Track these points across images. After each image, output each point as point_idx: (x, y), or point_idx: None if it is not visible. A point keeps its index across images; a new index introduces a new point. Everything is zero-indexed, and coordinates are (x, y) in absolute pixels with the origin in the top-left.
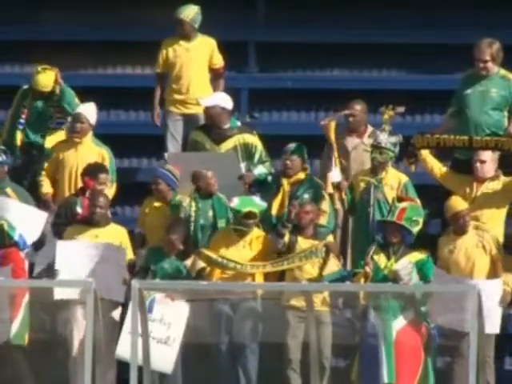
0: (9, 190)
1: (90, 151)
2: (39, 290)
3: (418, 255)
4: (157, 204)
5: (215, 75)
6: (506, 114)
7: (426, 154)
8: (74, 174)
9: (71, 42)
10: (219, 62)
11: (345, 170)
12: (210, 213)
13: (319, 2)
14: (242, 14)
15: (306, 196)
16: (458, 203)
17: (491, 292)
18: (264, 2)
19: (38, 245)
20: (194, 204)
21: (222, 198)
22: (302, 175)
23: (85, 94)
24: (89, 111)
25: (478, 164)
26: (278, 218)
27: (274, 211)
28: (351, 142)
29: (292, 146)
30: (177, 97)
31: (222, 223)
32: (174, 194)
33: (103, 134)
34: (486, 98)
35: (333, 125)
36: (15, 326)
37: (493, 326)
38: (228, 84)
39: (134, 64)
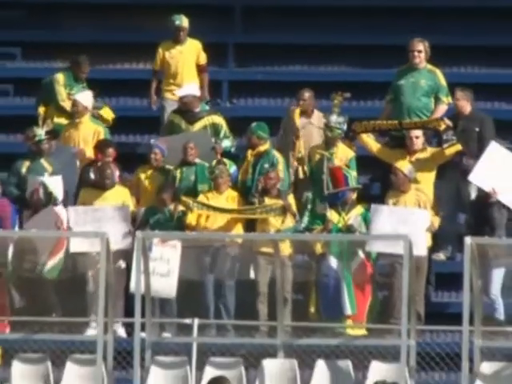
0: (43, 161)
1: (88, 128)
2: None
3: (359, 209)
4: (150, 172)
5: (201, 70)
6: (432, 99)
7: (364, 136)
8: (76, 147)
9: (85, 44)
10: (204, 59)
11: (297, 145)
12: (192, 178)
13: (285, 12)
14: (222, 21)
15: (266, 165)
16: (400, 163)
17: (419, 219)
18: (240, 11)
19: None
20: (179, 171)
21: (206, 166)
22: (262, 148)
23: (97, 85)
24: (82, 98)
25: (414, 139)
26: (243, 182)
27: (240, 177)
28: (301, 121)
29: (254, 124)
30: (173, 87)
31: (203, 187)
32: (163, 162)
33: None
34: (416, 88)
35: (297, 111)
36: (51, 264)
37: (420, 249)
38: (212, 77)
39: (132, 61)
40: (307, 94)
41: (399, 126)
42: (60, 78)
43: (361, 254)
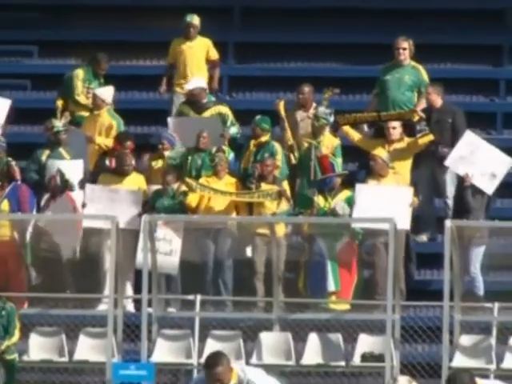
0: (62, 150)
1: (104, 121)
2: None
3: (345, 193)
4: (160, 159)
5: (213, 65)
6: (415, 94)
7: (346, 127)
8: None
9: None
10: (215, 55)
11: (295, 136)
12: (199, 162)
13: (281, 12)
14: (223, 21)
15: (266, 155)
16: (378, 151)
17: (401, 196)
18: (239, 12)
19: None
20: (190, 155)
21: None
22: (263, 139)
23: (111, 79)
24: (101, 93)
25: (391, 130)
26: (244, 169)
27: (242, 165)
28: (300, 114)
29: (258, 117)
30: (182, 81)
31: (208, 172)
32: (171, 150)
33: (122, 109)
34: (401, 83)
35: (282, 104)
36: (78, 247)
37: (403, 223)
38: None
39: (139, 58)
40: (307, 89)
41: (378, 118)
42: (80, 73)
43: (346, 235)
